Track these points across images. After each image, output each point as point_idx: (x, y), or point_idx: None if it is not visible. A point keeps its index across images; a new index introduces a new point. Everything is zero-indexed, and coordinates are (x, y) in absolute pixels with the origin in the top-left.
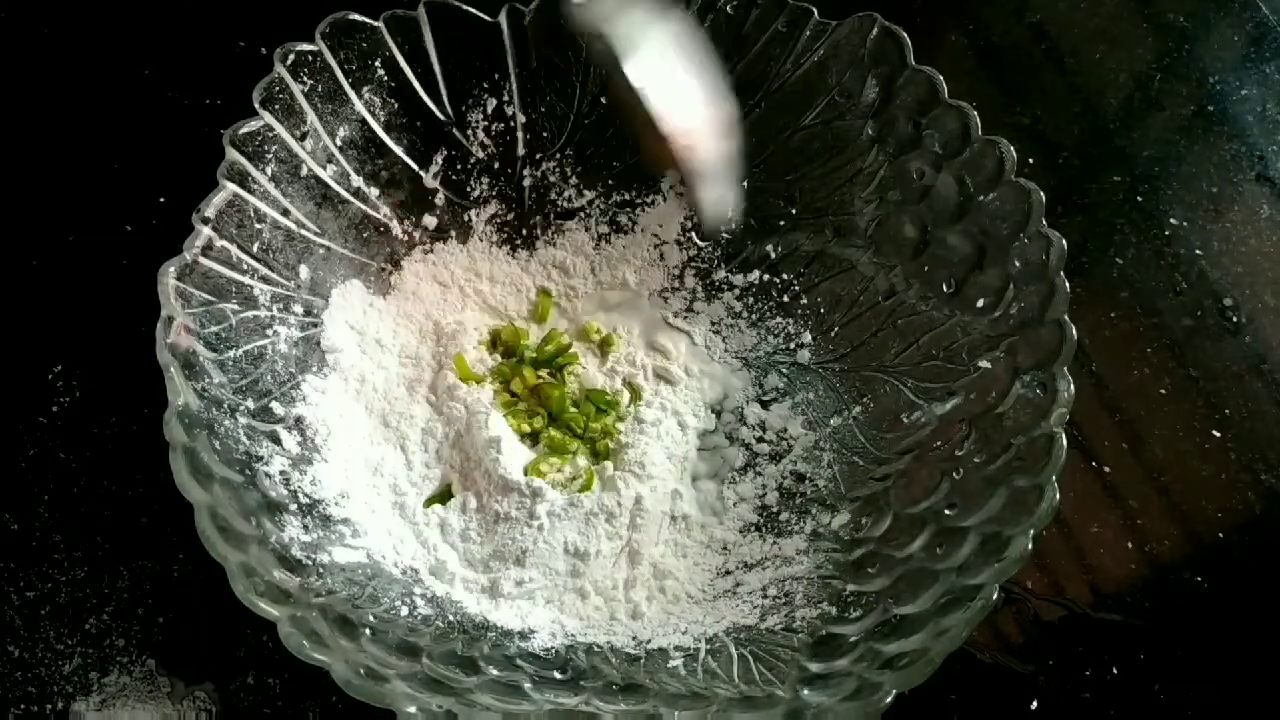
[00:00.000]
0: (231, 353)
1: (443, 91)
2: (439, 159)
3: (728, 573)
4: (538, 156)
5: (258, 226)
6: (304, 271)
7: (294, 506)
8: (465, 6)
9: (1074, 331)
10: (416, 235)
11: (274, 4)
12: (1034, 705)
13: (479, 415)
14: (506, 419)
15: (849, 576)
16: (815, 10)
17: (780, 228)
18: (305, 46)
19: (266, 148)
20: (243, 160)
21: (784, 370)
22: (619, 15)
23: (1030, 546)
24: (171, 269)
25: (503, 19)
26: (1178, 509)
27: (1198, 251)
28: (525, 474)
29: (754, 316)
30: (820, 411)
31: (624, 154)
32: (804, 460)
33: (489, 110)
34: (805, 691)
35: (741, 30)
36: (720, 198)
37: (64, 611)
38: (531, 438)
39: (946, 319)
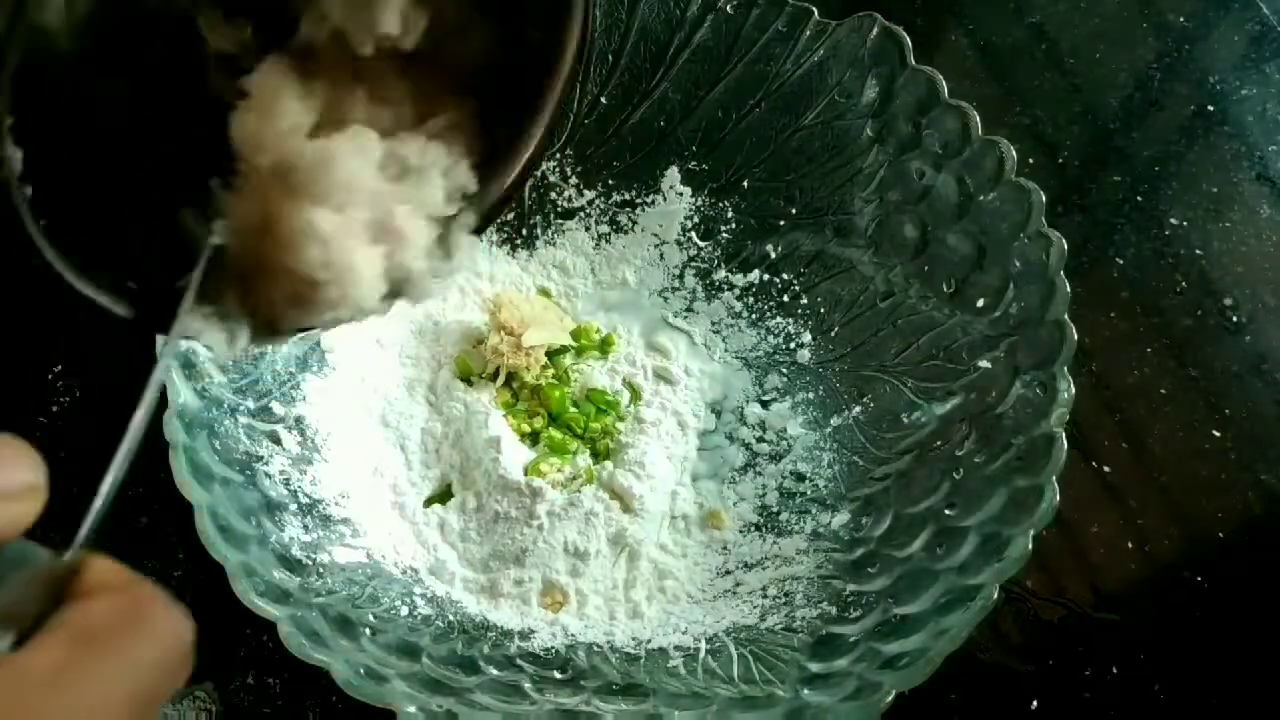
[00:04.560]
0: None
1: None
2: None
3: (728, 573)
4: None
5: None
6: None
7: (294, 506)
8: None
9: (1074, 331)
10: None
11: None
12: (1034, 705)
13: (479, 415)
14: (506, 419)
15: (849, 576)
16: (815, 10)
17: (780, 228)
18: None
19: None
20: None
21: (784, 370)
22: None
23: (1030, 546)
24: None
25: None
26: (1178, 509)
27: (1198, 251)
28: (525, 474)
29: (754, 316)
30: (820, 411)
31: (624, 154)
32: (804, 460)
33: None
34: (805, 691)
35: (741, 30)
36: None
37: None
38: (531, 438)
39: (946, 319)
